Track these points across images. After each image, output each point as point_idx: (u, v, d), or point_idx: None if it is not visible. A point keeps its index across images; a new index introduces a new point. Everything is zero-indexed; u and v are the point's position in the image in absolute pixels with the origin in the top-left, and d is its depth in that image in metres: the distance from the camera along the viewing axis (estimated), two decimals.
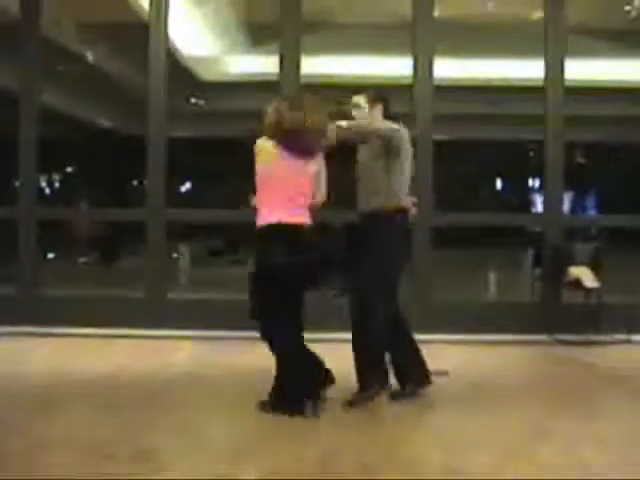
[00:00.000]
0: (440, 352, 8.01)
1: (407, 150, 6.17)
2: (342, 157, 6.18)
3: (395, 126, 6.13)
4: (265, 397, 5.75)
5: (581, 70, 12.95)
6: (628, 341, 8.79)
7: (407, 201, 6.18)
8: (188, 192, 28.97)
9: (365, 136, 6.12)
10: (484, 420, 5.64)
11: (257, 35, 15.58)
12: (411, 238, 6.09)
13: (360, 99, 6.31)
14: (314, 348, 5.75)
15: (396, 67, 10.39)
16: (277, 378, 5.71)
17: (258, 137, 5.75)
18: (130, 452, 4.76)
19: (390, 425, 5.51)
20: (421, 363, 6.25)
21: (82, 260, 19.10)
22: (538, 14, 9.94)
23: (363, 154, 6.27)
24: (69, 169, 28.10)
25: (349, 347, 6.00)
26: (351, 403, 5.87)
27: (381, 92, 6.41)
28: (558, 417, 5.75)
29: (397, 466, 4.62)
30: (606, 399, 6.41)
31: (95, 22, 14.31)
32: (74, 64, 16.22)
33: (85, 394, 6.29)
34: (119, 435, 5.15)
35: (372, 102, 6.28)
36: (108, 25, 14.25)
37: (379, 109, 6.30)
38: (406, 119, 9.25)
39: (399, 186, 6.10)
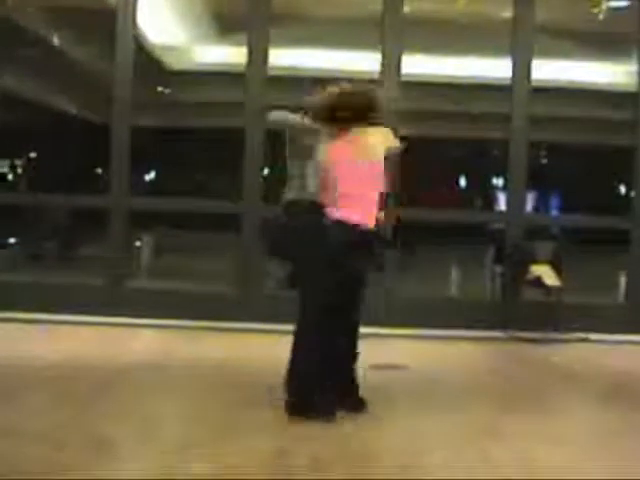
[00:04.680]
0: (398, 347, 8.07)
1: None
2: None
3: None
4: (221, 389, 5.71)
5: (548, 70, 13.01)
6: (585, 339, 8.87)
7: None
8: (153, 181, 28.78)
9: None
10: (438, 416, 5.66)
11: (226, 26, 15.51)
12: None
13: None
14: None
15: (364, 62, 10.40)
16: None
17: None
18: (81, 441, 4.71)
19: (344, 421, 5.50)
20: None
21: (42, 246, 18.92)
22: (507, 13, 9.98)
23: None
24: (32, 155, 27.82)
25: None
26: None
27: None
28: (512, 414, 5.79)
29: (349, 462, 4.61)
30: (561, 397, 6.46)
31: (61, 6, 14.17)
32: (38, 49, 16.04)
33: (38, 381, 6.23)
34: (71, 424, 5.10)
35: None
36: (74, 9, 14.11)
37: None
38: None
39: None
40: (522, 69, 9.45)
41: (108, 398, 5.81)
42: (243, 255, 9.32)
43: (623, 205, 11.80)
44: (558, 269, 9.23)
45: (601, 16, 12.59)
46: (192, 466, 4.39)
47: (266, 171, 9.72)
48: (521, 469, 4.56)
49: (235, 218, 9.35)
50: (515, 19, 9.56)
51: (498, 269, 10.15)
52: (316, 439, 5.02)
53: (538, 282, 9.08)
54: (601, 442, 5.24)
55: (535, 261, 9.27)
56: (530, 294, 9.25)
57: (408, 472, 4.47)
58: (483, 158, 26.67)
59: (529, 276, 9.17)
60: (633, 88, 10.54)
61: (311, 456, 4.64)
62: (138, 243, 14.72)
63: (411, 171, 9.97)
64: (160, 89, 19.86)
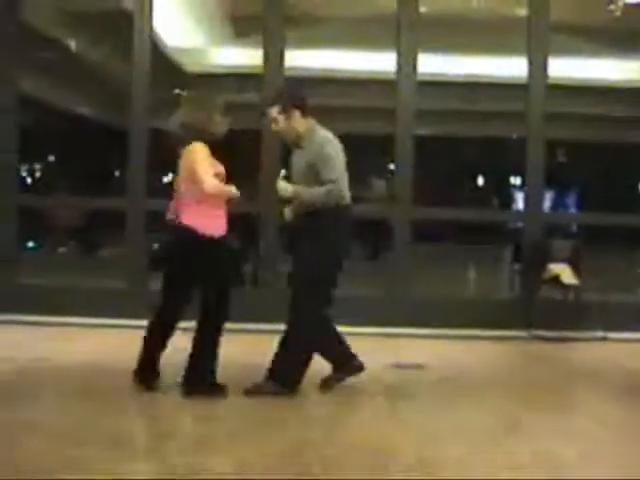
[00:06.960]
0: (417, 346, 8.06)
1: None
2: None
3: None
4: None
5: (564, 68, 12.99)
6: (604, 338, 8.84)
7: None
8: (171, 182, 28.87)
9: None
10: (457, 413, 5.67)
11: (242, 27, 15.56)
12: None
13: (273, 111, 6.00)
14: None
15: (380, 62, 10.41)
16: None
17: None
18: (102, 440, 4.74)
19: (362, 417, 5.52)
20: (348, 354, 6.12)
21: (62, 249, 19.04)
22: (522, 12, 9.96)
23: None
24: (50, 158, 27.96)
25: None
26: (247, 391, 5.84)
27: (293, 96, 6.07)
28: (530, 411, 5.79)
29: (366, 458, 4.62)
30: (579, 395, 6.47)
31: (78, 10, 14.27)
32: (55, 52, 16.13)
33: (60, 382, 6.28)
34: (92, 422, 5.13)
35: (286, 112, 5.96)
36: (92, 14, 14.21)
37: (296, 115, 5.96)
38: (388, 114, 9.35)
39: None
40: (538, 67, 9.41)
41: (129, 398, 5.83)
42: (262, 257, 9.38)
43: None
44: (577, 268, 9.19)
45: (618, 13, 12.57)
46: (209, 465, 4.41)
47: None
48: (541, 464, 4.56)
49: (252, 219, 9.37)
50: (530, 17, 9.52)
51: (517, 268, 10.12)
52: (333, 434, 5.06)
53: (556, 281, 9.05)
54: (619, 440, 5.23)
55: (554, 260, 9.23)
56: (549, 293, 9.22)
57: (427, 466, 4.47)
58: (500, 156, 26.62)
59: (547, 275, 9.14)
60: None
61: (327, 451, 4.66)
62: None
63: (428, 170, 9.97)
64: (177, 91, 19.92)
